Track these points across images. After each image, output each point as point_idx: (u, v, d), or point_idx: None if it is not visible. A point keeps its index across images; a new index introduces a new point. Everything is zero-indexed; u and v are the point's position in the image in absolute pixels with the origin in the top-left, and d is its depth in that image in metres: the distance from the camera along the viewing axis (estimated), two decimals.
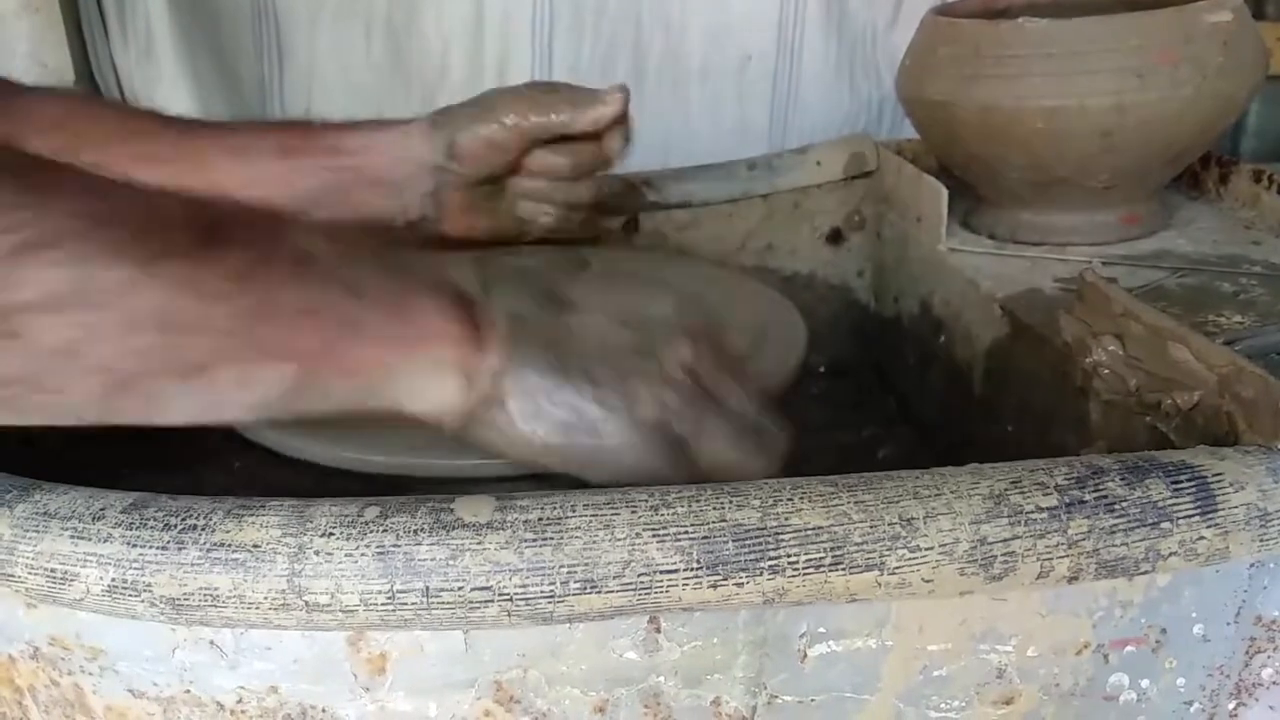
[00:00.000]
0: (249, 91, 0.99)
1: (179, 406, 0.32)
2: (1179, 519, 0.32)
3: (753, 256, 0.80)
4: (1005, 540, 0.31)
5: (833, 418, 0.72)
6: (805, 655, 0.34)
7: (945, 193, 0.64)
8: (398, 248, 0.39)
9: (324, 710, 0.34)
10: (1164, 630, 0.36)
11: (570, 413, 0.35)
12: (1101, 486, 0.32)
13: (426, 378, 0.35)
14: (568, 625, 0.33)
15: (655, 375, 0.37)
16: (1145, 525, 0.32)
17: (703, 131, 1.01)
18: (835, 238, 0.81)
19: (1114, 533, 0.32)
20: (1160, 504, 0.32)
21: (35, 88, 0.62)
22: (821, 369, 0.79)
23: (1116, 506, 0.32)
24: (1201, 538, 0.33)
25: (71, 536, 0.32)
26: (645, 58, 1.00)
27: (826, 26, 1.00)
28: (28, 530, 0.32)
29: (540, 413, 0.35)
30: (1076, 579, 0.32)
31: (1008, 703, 0.36)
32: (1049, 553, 0.32)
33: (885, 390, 0.77)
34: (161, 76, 0.95)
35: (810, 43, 1.01)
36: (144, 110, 0.64)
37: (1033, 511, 0.32)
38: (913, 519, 0.31)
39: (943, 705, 0.35)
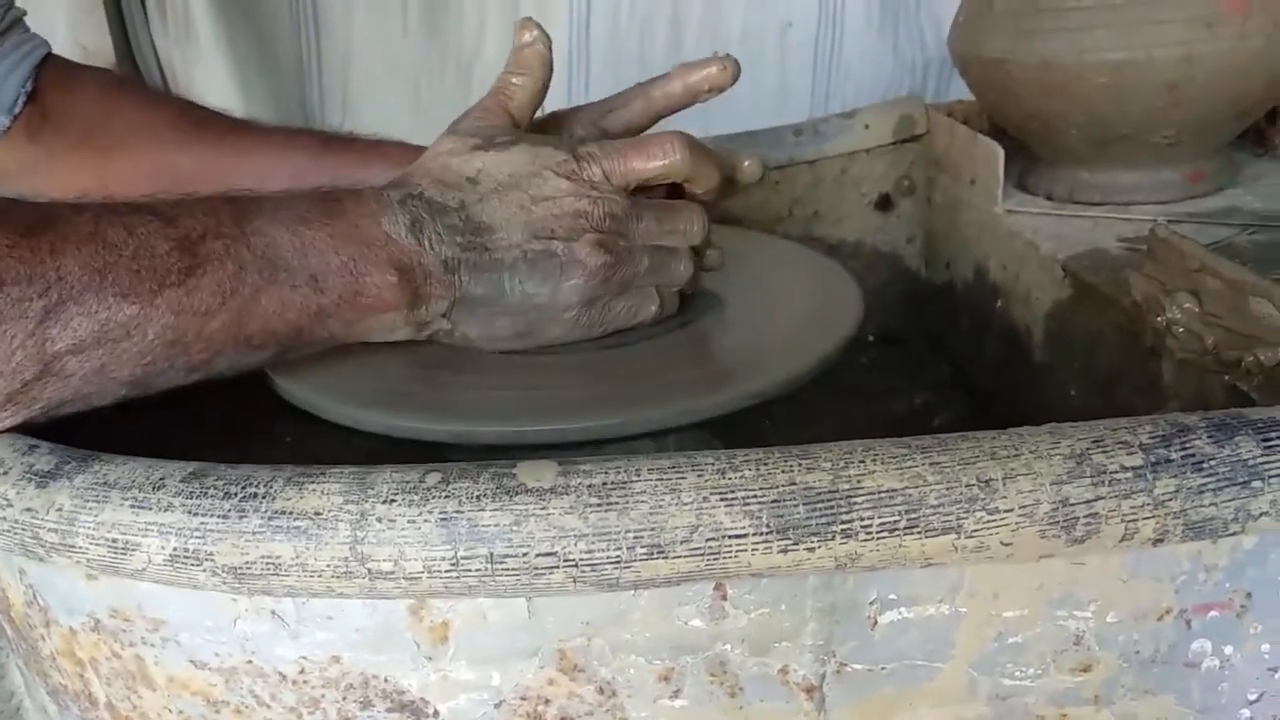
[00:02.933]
0: (287, 69, 0.99)
1: (183, 383, 0.41)
2: (1270, 477, 0.31)
3: (799, 225, 0.79)
4: (1088, 501, 0.30)
5: (885, 386, 0.71)
6: (876, 622, 0.33)
7: (1001, 153, 0.63)
8: (336, 198, 0.43)
9: (386, 680, 0.33)
10: (1249, 595, 0.34)
11: (513, 323, 0.45)
12: (1189, 445, 0.31)
13: (385, 333, 0.44)
14: (632, 592, 0.32)
15: (572, 269, 0.45)
16: (1235, 484, 0.31)
17: (743, 98, 0.99)
18: (884, 204, 0.79)
19: (1202, 492, 0.31)
20: (1250, 462, 0.31)
21: (83, 71, 0.63)
22: (871, 338, 0.77)
23: (1205, 465, 0.31)
24: None
25: (132, 506, 0.31)
26: (683, 25, 0.99)
27: None
28: (88, 501, 0.32)
29: (492, 334, 0.46)
30: (1162, 541, 0.31)
31: (1085, 670, 0.34)
32: (1134, 514, 0.30)
33: (938, 358, 0.75)
34: (200, 57, 0.95)
35: (852, 6, 0.99)
36: (178, 108, 0.65)
37: (1117, 471, 0.30)
38: (990, 480, 0.30)
39: (1017, 673, 0.34)
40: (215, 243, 0.39)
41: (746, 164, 0.54)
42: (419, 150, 0.57)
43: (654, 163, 0.46)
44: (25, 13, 0.61)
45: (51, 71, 0.61)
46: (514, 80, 0.51)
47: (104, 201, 0.39)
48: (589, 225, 0.45)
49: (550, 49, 0.51)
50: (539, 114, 0.54)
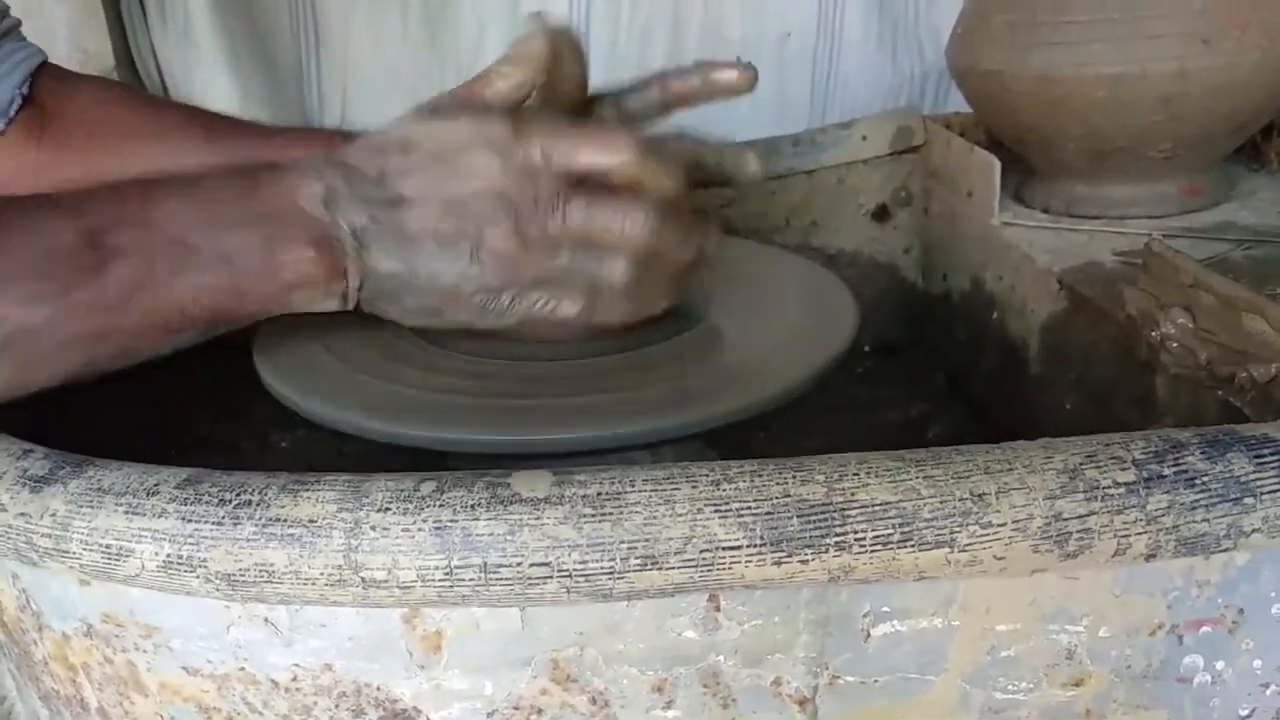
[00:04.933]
0: (286, 74, 0.98)
1: (110, 369, 0.41)
2: (1263, 494, 0.31)
3: (796, 234, 0.79)
4: (1081, 516, 0.30)
5: (880, 397, 0.71)
6: (869, 635, 0.33)
7: (998, 165, 0.63)
8: (253, 173, 0.43)
9: (379, 688, 0.33)
10: (1241, 610, 0.34)
11: (420, 301, 0.44)
12: (1181, 460, 0.31)
13: (307, 305, 0.43)
14: (626, 603, 0.32)
15: (479, 253, 0.43)
16: (1228, 500, 0.31)
17: (741, 107, 0.99)
18: (881, 214, 0.79)
19: (1195, 508, 0.31)
20: (1243, 479, 0.31)
21: (80, 78, 0.63)
22: (867, 348, 0.77)
23: (1198, 481, 0.31)
24: None
25: (126, 512, 0.31)
26: (683, 34, 0.99)
27: (868, 1, 0.99)
28: (82, 506, 0.32)
29: (403, 310, 0.44)
30: (1155, 556, 0.31)
31: (1077, 684, 0.35)
32: (1127, 529, 0.31)
33: (933, 369, 0.75)
34: (200, 60, 0.95)
35: (851, 17, 0.99)
36: (178, 113, 0.65)
37: (1110, 486, 0.31)
38: (984, 494, 0.30)
39: (1010, 687, 0.34)
40: (123, 234, 0.39)
41: (750, 165, 0.53)
42: None
43: (599, 158, 0.43)
44: (20, 22, 0.61)
45: (48, 79, 0.60)
46: (501, 69, 0.49)
47: (9, 199, 0.39)
48: (507, 209, 0.42)
49: (548, 49, 0.49)
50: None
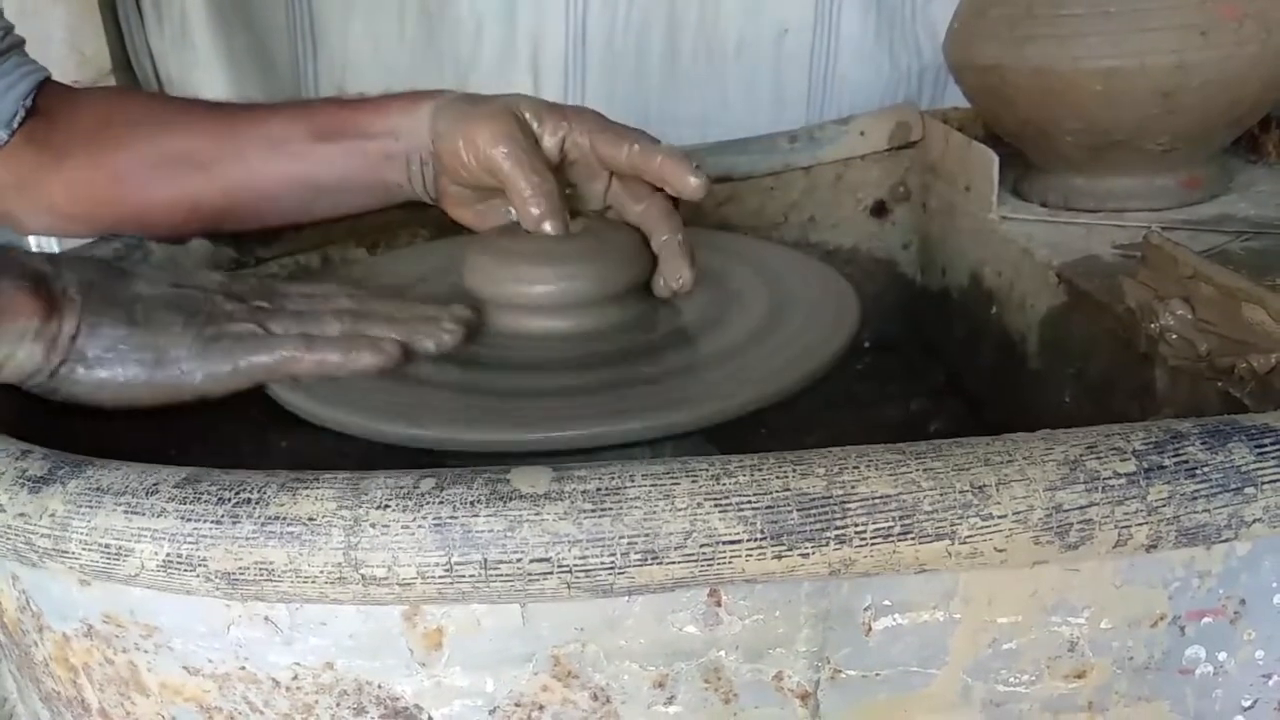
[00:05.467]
0: (283, 74, 0.98)
1: None
2: (1264, 484, 0.31)
3: (795, 231, 0.79)
4: (1082, 507, 0.30)
5: (880, 393, 0.71)
6: (870, 628, 0.33)
7: (996, 159, 0.63)
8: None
9: (380, 686, 0.33)
10: (1243, 601, 0.34)
11: (150, 351, 0.43)
12: (1182, 451, 0.31)
13: (14, 345, 0.42)
14: (626, 598, 0.32)
15: (215, 313, 0.45)
16: (1228, 491, 0.31)
17: (739, 105, 0.99)
18: (879, 210, 0.79)
19: (1196, 499, 0.31)
20: (1244, 468, 0.31)
21: (82, 89, 0.64)
22: (867, 344, 0.77)
23: (1198, 471, 0.31)
24: None
25: (125, 511, 0.31)
26: (680, 32, 0.99)
27: None
28: (81, 506, 0.32)
29: (120, 357, 0.43)
30: (1155, 547, 0.31)
31: (1079, 676, 0.34)
32: (1127, 520, 0.30)
33: (933, 364, 0.75)
34: (197, 61, 0.94)
35: (848, 13, 0.99)
36: (181, 101, 0.66)
37: (1110, 477, 0.30)
38: (984, 486, 0.30)
39: (1012, 679, 0.34)
40: None
41: (691, 180, 0.49)
42: (431, 95, 0.57)
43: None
44: (24, 40, 0.62)
45: (53, 90, 0.61)
46: (599, 139, 0.51)
47: None
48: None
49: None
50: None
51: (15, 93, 0.59)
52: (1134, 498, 0.30)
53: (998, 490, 0.30)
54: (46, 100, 0.61)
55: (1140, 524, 0.31)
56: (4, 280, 0.41)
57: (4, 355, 0.42)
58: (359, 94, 0.60)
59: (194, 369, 0.44)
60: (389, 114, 0.57)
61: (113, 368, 0.43)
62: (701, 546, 0.30)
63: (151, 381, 0.44)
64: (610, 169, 0.53)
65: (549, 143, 0.52)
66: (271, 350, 0.45)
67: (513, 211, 0.53)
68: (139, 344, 0.44)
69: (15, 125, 0.59)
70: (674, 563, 0.30)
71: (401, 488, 0.31)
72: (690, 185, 0.50)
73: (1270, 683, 0.36)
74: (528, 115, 0.52)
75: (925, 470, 0.31)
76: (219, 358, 0.45)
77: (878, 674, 0.34)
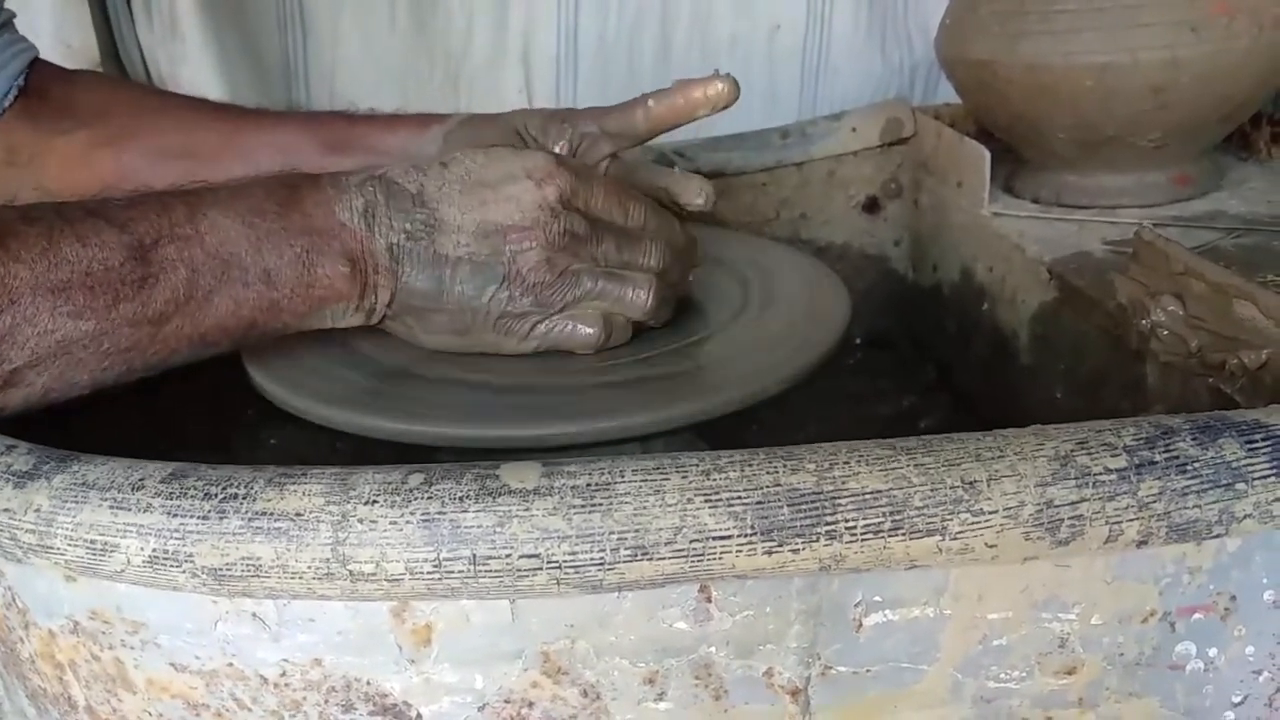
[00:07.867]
0: (273, 68, 0.98)
1: (143, 376, 0.41)
2: (1254, 480, 0.31)
3: (786, 227, 0.79)
4: (1073, 503, 0.30)
5: (872, 389, 0.71)
6: (860, 625, 0.33)
7: (988, 155, 0.63)
8: (294, 186, 0.44)
9: (368, 683, 0.33)
10: (1233, 597, 0.34)
11: (450, 321, 0.45)
12: (1172, 447, 0.31)
13: (334, 320, 0.45)
14: (616, 595, 0.32)
15: (512, 278, 0.45)
16: (1219, 486, 0.31)
17: None
18: (871, 206, 0.79)
19: (1186, 494, 0.31)
20: (1234, 464, 0.31)
21: (77, 72, 0.63)
22: (858, 340, 0.78)
23: (1189, 467, 0.31)
24: (1277, 499, 0.31)
25: (111, 507, 0.31)
26: (672, 28, 0.99)
27: None
28: (66, 501, 0.32)
29: (430, 329, 0.46)
30: (1146, 543, 0.31)
31: (1070, 673, 0.34)
32: (1118, 516, 0.30)
33: (924, 360, 0.76)
34: (186, 55, 0.94)
35: (840, 10, 0.99)
36: (183, 97, 0.66)
37: (1101, 473, 0.30)
38: (975, 482, 0.30)
39: (1002, 676, 0.34)
40: (169, 247, 0.39)
41: (697, 196, 0.52)
42: (440, 119, 0.57)
43: (628, 220, 0.47)
44: (15, 15, 0.61)
45: (46, 69, 0.61)
46: (607, 119, 0.52)
47: (56, 206, 0.39)
48: (542, 239, 0.44)
49: (652, 118, 0.52)
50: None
51: (8, 71, 0.58)
52: (1125, 493, 0.30)
53: (989, 486, 0.30)
54: (40, 79, 0.60)
55: (1131, 520, 0.31)
56: (325, 264, 0.43)
57: (330, 323, 0.45)
58: (364, 109, 0.61)
59: (497, 343, 0.46)
60: (399, 132, 0.58)
61: (427, 335, 0.46)
62: (692, 542, 0.30)
63: (460, 343, 0.47)
64: (631, 143, 0.54)
65: (558, 149, 0.53)
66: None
67: None
68: (446, 322, 0.45)
69: (7, 104, 0.58)
70: (664, 558, 0.30)
71: (390, 483, 0.30)
72: (694, 190, 0.52)
73: (1260, 679, 0.36)
74: (532, 130, 0.54)
75: (916, 466, 0.30)
76: (515, 342, 0.46)
77: (868, 670, 0.34)
